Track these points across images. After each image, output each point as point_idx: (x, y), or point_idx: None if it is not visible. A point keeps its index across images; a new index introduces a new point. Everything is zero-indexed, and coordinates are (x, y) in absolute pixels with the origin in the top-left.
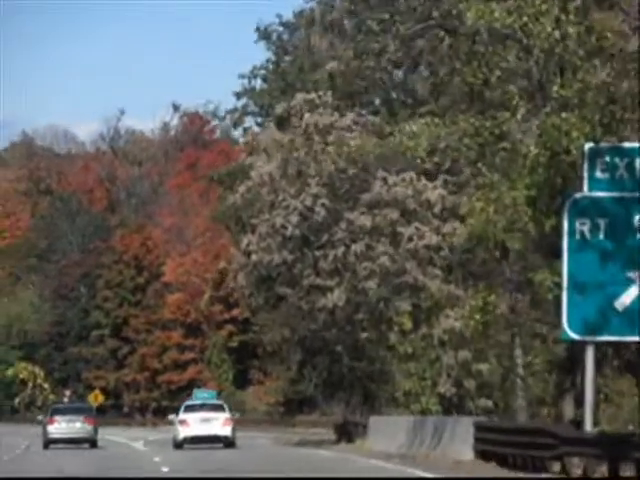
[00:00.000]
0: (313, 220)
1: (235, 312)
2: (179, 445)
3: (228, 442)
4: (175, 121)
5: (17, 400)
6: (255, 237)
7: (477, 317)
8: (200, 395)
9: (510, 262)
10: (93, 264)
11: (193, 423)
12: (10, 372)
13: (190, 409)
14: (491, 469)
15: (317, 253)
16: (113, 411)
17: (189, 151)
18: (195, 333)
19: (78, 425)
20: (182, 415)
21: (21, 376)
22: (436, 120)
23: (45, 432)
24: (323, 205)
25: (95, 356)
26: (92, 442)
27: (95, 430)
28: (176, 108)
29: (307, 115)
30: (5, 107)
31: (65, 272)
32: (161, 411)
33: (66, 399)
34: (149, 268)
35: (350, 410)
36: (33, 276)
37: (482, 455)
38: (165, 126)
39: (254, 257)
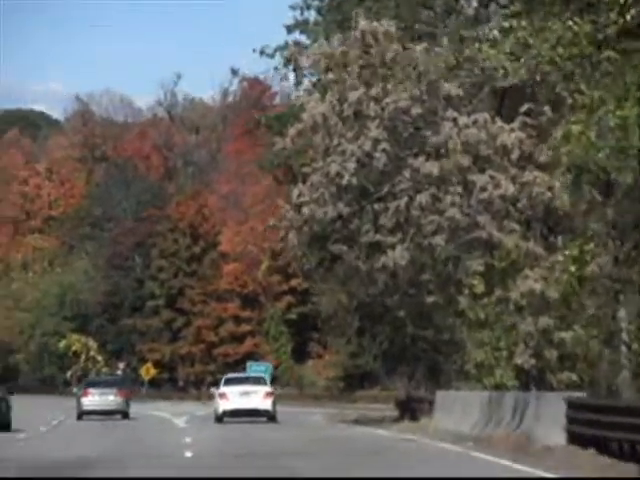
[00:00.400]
0: (372, 168)
1: (294, 282)
2: (219, 419)
3: (269, 416)
4: (234, 86)
5: (69, 373)
6: (307, 188)
7: (572, 270)
8: (255, 368)
9: (614, 201)
10: (147, 232)
11: (232, 396)
12: (63, 344)
13: (230, 382)
14: (592, 458)
15: (377, 206)
16: (168, 385)
17: (247, 116)
18: (252, 304)
19: (110, 398)
20: (222, 388)
21: (74, 348)
22: (523, 23)
23: (79, 404)
24: (384, 150)
25: (149, 328)
26: (124, 413)
27: (127, 402)
28: (234, 73)
29: (363, 23)
30: (61, 73)
31: (119, 241)
32: (217, 384)
33: (119, 372)
34: (205, 237)
35: (414, 384)
36: (87, 245)
37: (577, 439)
38: (224, 92)
39: (305, 211)
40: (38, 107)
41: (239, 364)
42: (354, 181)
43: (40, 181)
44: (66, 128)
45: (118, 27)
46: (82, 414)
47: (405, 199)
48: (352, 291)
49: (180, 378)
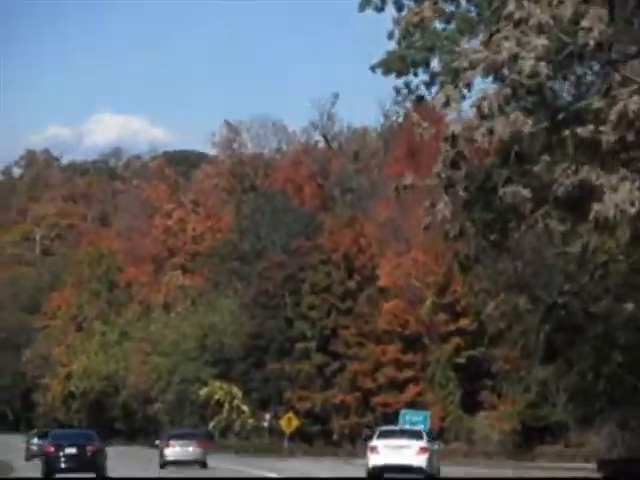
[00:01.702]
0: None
1: (463, 322)
2: (371, 477)
3: (425, 475)
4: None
5: (212, 424)
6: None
7: None
8: (410, 418)
9: None
10: (298, 266)
11: (383, 451)
12: (204, 392)
13: (384, 435)
14: None
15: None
16: (320, 438)
17: (409, 135)
18: (415, 347)
19: (190, 449)
20: (374, 441)
21: (216, 397)
22: None
23: (162, 454)
24: None
25: (299, 374)
26: (202, 463)
27: (205, 453)
28: (397, 91)
29: None
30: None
31: (266, 276)
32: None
33: (265, 424)
34: (361, 270)
35: (613, 438)
36: (233, 282)
37: None
38: (385, 114)
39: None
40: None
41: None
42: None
43: (185, 214)
44: (210, 156)
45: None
46: (165, 464)
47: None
48: (535, 287)
49: (334, 431)
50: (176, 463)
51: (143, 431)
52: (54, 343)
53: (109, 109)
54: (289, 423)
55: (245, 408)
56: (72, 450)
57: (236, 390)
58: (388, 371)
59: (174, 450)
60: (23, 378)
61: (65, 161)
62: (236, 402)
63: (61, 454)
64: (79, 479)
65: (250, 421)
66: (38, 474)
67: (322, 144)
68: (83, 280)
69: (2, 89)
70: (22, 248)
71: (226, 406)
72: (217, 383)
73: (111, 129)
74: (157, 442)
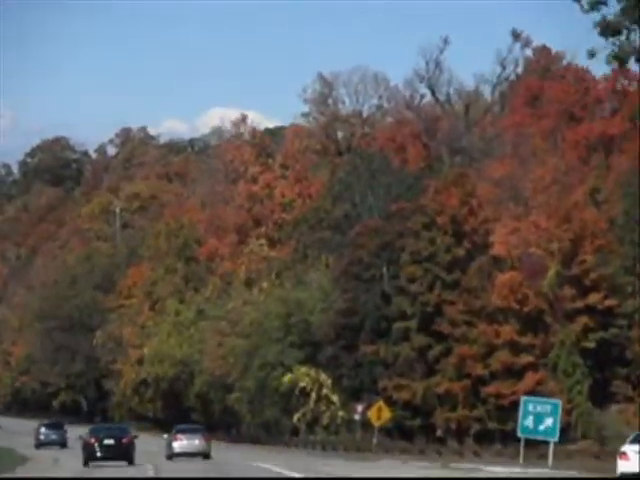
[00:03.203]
0: None
1: (593, 298)
2: None
3: None
4: (516, 53)
5: (296, 416)
6: None
7: None
8: (530, 408)
9: None
10: (396, 232)
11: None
12: (287, 379)
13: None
14: None
15: None
16: (421, 434)
17: (529, 81)
18: (535, 327)
19: (196, 442)
20: (625, 446)
21: (302, 384)
22: None
23: (170, 447)
24: None
25: (397, 358)
26: (205, 455)
27: (208, 446)
28: (516, 37)
29: None
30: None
31: (359, 243)
32: (486, 436)
33: (357, 416)
34: (471, 236)
35: None
36: (325, 254)
37: None
38: (501, 61)
39: None
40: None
41: (516, 408)
42: None
43: (272, 179)
44: (305, 114)
45: None
46: (172, 456)
47: None
48: None
49: (438, 425)
50: (182, 455)
51: (223, 423)
52: (127, 324)
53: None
54: (379, 414)
55: (335, 398)
56: (110, 441)
57: (324, 377)
58: (502, 355)
59: (181, 443)
60: (97, 364)
61: (162, 141)
62: (324, 391)
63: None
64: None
65: (340, 413)
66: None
67: (428, 99)
68: (160, 255)
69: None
70: (100, 222)
71: (313, 395)
72: (303, 369)
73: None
74: (165, 436)
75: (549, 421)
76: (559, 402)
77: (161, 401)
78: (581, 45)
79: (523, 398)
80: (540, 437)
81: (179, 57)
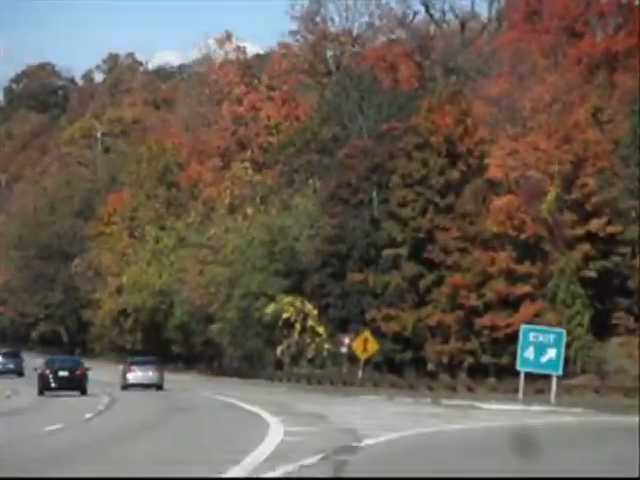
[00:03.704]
0: None
1: (595, 224)
2: None
3: None
4: None
5: (280, 349)
6: None
7: None
8: (531, 338)
9: None
10: (387, 153)
11: None
12: (271, 309)
13: None
14: None
15: None
16: (411, 367)
17: None
18: (533, 255)
19: (150, 374)
20: None
21: (286, 315)
22: None
23: (125, 378)
24: None
25: (386, 287)
26: (158, 386)
27: (161, 377)
28: None
29: None
30: None
31: (347, 165)
32: (480, 370)
33: (344, 349)
34: (466, 157)
35: None
36: (313, 177)
37: None
38: None
39: None
40: None
41: (512, 342)
42: None
43: (258, 100)
44: (292, 32)
45: None
46: (126, 386)
47: None
48: None
49: (429, 359)
50: (136, 385)
51: (205, 356)
52: (107, 252)
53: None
54: (365, 346)
55: (321, 329)
56: (64, 373)
57: (310, 307)
58: (498, 285)
59: (135, 374)
60: (77, 293)
61: (150, 67)
62: (310, 322)
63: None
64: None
65: (326, 345)
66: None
67: (422, 16)
68: (141, 180)
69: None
70: (82, 147)
71: (297, 327)
72: (287, 298)
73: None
74: (120, 367)
75: (552, 352)
76: (563, 331)
77: (141, 333)
78: None
79: (523, 327)
80: (542, 371)
81: None
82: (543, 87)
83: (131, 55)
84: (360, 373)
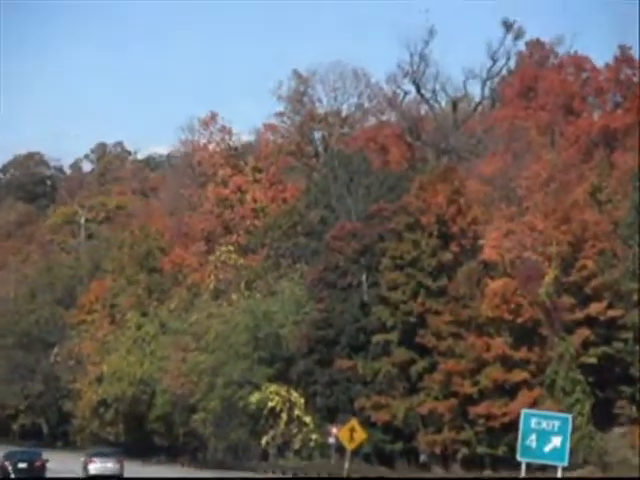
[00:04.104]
0: None
1: (595, 308)
2: None
3: None
4: (508, 45)
5: (265, 439)
6: None
7: None
8: (534, 424)
9: None
10: (376, 234)
11: None
12: (255, 398)
13: None
14: None
15: None
16: (402, 459)
17: (524, 70)
18: (530, 340)
19: (109, 465)
20: None
21: (271, 404)
22: None
23: (85, 469)
24: None
25: (376, 375)
26: (118, 477)
27: (121, 467)
28: (508, 27)
29: None
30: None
31: (335, 247)
32: (475, 462)
33: (332, 439)
34: (459, 238)
35: None
36: (298, 262)
37: None
38: (492, 54)
39: None
40: None
41: (510, 431)
42: None
43: (244, 182)
44: (279, 114)
45: None
46: (88, 477)
47: None
48: None
49: (421, 450)
50: (97, 476)
51: (189, 447)
52: (87, 340)
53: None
54: (351, 435)
55: (307, 419)
56: (23, 465)
57: (296, 396)
58: (493, 371)
59: (95, 465)
60: (57, 383)
61: (140, 156)
62: (296, 411)
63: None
64: None
65: (314, 436)
66: None
67: (413, 96)
68: (123, 265)
69: None
70: (65, 233)
71: (283, 416)
72: (272, 387)
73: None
74: (82, 459)
75: (556, 441)
76: (569, 417)
77: (123, 424)
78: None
79: (524, 412)
80: (545, 461)
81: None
82: (539, 165)
83: (120, 144)
84: (347, 465)
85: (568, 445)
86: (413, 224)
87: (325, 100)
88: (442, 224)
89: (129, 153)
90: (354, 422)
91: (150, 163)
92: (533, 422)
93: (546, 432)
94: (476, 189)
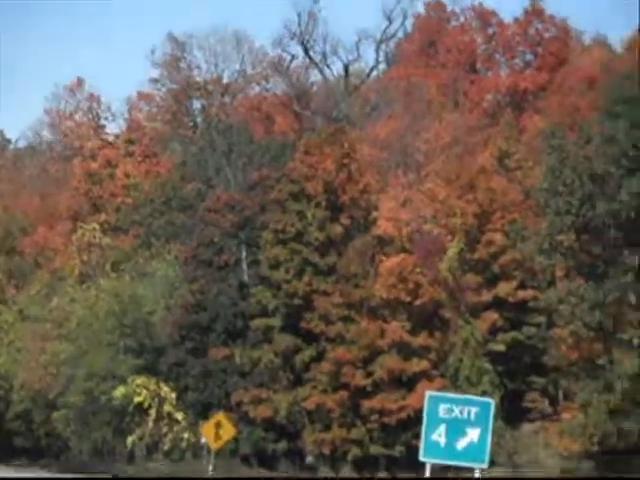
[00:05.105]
0: None
1: (504, 288)
2: None
3: None
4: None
5: (131, 439)
6: None
7: None
8: (442, 409)
9: None
10: (257, 205)
11: None
12: (120, 393)
13: None
14: None
15: None
16: (286, 460)
17: (425, 24)
18: (431, 324)
19: None
20: None
21: (138, 399)
22: None
23: None
24: None
25: (256, 365)
26: None
27: None
28: None
29: None
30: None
31: (210, 221)
32: (368, 463)
33: (204, 440)
34: (351, 208)
35: None
36: (172, 240)
37: None
38: (387, 14)
39: None
40: None
41: (407, 428)
42: None
43: (114, 155)
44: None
45: None
46: None
47: None
48: None
49: (307, 450)
50: None
51: (53, 448)
52: None
53: None
54: (217, 432)
55: (179, 416)
56: None
57: (166, 390)
58: (389, 360)
59: None
60: None
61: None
62: (167, 408)
63: None
64: None
65: (185, 435)
66: None
67: (300, 60)
68: None
69: None
70: None
71: (152, 413)
72: (139, 380)
73: None
74: None
75: (474, 434)
76: (491, 402)
77: None
78: None
79: (430, 394)
80: (458, 461)
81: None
82: (440, 127)
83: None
84: (211, 467)
85: (489, 440)
86: (298, 193)
87: (204, 67)
88: (331, 193)
89: (9, 141)
90: (221, 416)
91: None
92: (442, 409)
93: (459, 422)
94: (369, 153)
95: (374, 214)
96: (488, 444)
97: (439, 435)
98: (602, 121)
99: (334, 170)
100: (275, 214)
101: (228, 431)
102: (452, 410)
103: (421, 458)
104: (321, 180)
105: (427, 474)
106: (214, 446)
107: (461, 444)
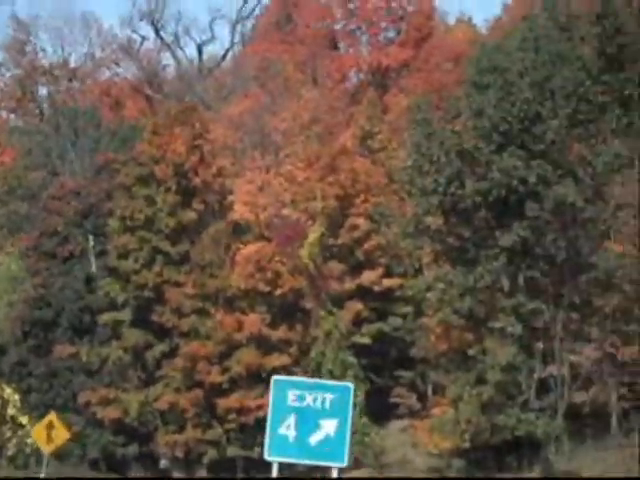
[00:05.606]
0: None
1: (368, 276)
2: None
3: None
4: None
5: None
6: None
7: None
8: (292, 389)
9: None
10: (103, 192)
11: None
12: None
13: None
14: None
15: None
16: (138, 464)
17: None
18: (292, 316)
19: None
20: None
21: None
22: None
23: None
24: None
25: (104, 362)
26: None
27: None
28: None
29: None
30: None
31: (52, 209)
32: (225, 466)
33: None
34: (204, 193)
35: None
36: (16, 232)
37: None
38: None
39: None
40: None
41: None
42: None
43: None
44: None
45: None
46: None
47: None
48: None
49: (160, 453)
50: None
51: None
52: None
53: None
54: (49, 435)
55: (24, 420)
56: None
57: (10, 392)
58: (247, 356)
59: None
60: None
61: None
62: (10, 411)
63: None
64: None
65: (29, 440)
66: None
67: (152, 42)
68: None
69: None
70: None
71: None
72: None
73: None
74: None
75: (330, 426)
76: (350, 386)
77: None
78: None
79: (275, 379)
80: (311, 460)
81: None
82: (299, 106)
83: None
84: (43, 473)
85: (349, 433)
86: (146, 177)
87: (50, 50)
88: (182, 176)
89: None
90: (52, 417)
91: None
92: (290, 396)
93: (312, 413)
94: (223, 134)
95: (229, 199)
96: (347, 439)
97: (287, 427)
98: (470, 94)
99: (185, 152)
100: (122, 200)
101: (61, 433)
102: (303, 398)
103: (266, 457)
104: (171, 163)
105: (274, 474)
106: (47, 449)
107: (315, 439)
